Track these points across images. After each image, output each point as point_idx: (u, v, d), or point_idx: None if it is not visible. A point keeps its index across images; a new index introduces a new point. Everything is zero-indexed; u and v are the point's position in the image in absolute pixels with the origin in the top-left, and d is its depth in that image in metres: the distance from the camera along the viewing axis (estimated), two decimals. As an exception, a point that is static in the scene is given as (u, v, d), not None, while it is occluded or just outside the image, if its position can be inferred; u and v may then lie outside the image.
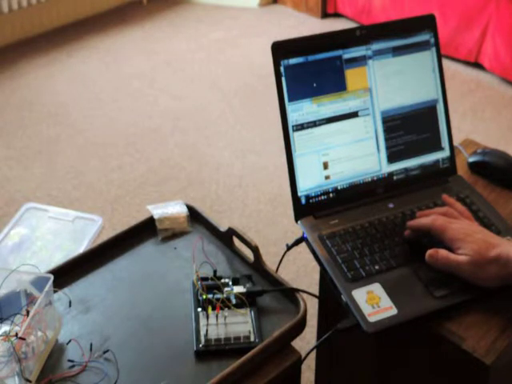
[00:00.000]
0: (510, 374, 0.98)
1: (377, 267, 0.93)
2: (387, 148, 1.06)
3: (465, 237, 0.90)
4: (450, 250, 0.91)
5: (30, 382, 0.81)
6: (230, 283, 0.96)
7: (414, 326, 0.89)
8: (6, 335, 0.84)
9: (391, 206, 1.04)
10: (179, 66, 3.24)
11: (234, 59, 3.31)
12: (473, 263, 0.88)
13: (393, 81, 1.05)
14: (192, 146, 2.63)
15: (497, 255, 0.87)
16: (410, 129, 1.07)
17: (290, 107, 0.99)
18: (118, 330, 0.91)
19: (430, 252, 0.92)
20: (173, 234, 1.08)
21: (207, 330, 0.89)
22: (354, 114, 1.04)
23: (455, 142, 1.14)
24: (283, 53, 0.98)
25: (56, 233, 2.15)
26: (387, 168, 1.06)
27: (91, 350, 0.88)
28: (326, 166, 1.02)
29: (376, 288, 0.91)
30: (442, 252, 0.91)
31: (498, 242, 0.89)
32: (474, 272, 0.89)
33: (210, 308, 0.92)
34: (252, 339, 0.89)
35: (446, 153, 1.10)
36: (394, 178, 1.07)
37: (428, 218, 0.95)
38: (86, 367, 0.86)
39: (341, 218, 1.01)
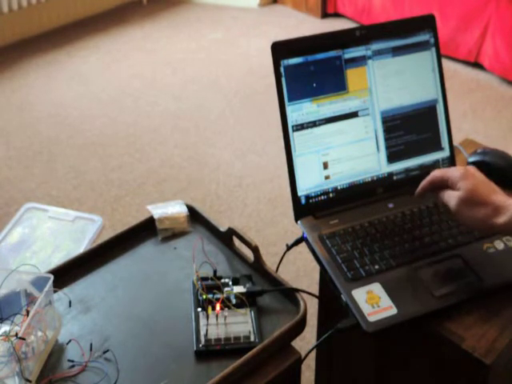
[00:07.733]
0: (509, 374, 0.98)
1: (377, 267, 0.93)
2: (387, 148, 1.06)
3: (463, 176, 0.89)
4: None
5: (29, 381, 0.81)
6: (230, 283, 0.96)
7: (414, 326, 0.89)
8: (6, 335, 0.84)
9: (391, 205, 1.04)
10: (179, 65, 3.24)
11: (234, 59, 3.31)
12: (463, 199, 0.87)
13: (393, 81, 1.05)
14: (192, 146, 2.63)
15: (489, 199, 0.85)
16: (410, 129, 1.07)
17: (289, 107, 0.99)
18: (118, 329, 0.91)
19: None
20: (173, 234, 1.08)
21: (207, 330, 0.89)
22: (353, 114, 1.04)
23: (455, 142, 1.14)
24: (283, 53, 0.98)
25: (56, 233, 2.15)
26: (387, 168, 1.06)
27: (91, 349, 0.87)
28: (325, 165, 1.02)
29: (376, 288, 0.91)
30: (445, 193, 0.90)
31: (499, 191, 0.88)
32: (460, 210, 0.87)
33: (209, 308, 0.92)
34: (252, 339, 0.89)
35: (445, 153, 1.10)
36: (394, 177, 1.07)
37: (427, 177, 0.94)
38: (86, 367, 0.86)
39: (341, 217, 1.01)
